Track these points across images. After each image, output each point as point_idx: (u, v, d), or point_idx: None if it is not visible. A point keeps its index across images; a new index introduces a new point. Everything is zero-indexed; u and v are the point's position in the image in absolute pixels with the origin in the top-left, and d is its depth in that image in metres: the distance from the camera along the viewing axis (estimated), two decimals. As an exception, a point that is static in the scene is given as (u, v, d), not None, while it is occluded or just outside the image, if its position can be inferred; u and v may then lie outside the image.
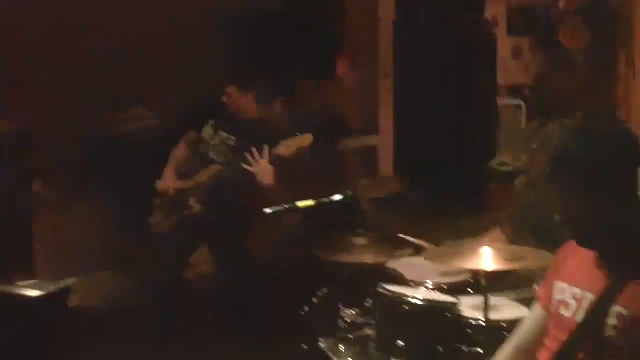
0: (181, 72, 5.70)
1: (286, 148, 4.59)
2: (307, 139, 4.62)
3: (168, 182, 5.04)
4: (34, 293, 4.17)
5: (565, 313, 2.24)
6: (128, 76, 5.80)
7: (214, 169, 4.94)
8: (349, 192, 2.47)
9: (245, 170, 4.65)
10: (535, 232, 4.09)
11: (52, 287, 4.30)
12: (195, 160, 5.07)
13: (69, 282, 4.46)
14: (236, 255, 5.03)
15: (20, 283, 4.23)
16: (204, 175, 4.92)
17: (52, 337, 4.13)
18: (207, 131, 5.06)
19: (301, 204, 2.45)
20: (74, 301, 5.14)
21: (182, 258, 5.00)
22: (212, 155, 5.00)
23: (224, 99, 4.98)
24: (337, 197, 2.47)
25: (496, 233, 4.21)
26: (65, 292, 4.42)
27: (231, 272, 5.00)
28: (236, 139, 4.93)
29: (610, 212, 2.10)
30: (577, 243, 2.20)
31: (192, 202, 4.83)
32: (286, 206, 2.55)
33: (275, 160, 4.61)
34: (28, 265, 5.03)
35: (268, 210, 2.54)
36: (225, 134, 4.98)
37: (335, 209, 4.70)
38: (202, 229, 4.91)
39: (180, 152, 5.18)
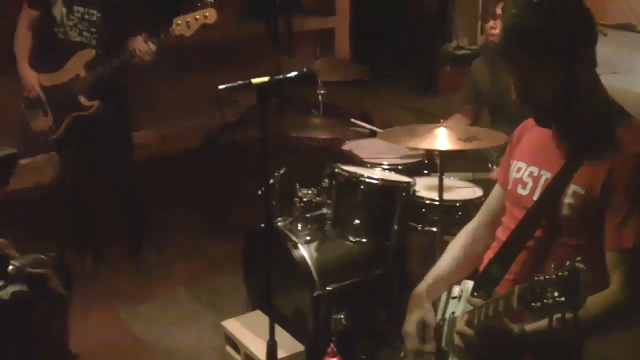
0: None
1: (187, 28, 3.95)
2: (210, 14, 3.95)
3: (30, 79, 4.23)
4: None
5: (522, 192, 2.27)
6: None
7: (87, 55, 4.13)
8: (305, 69, 2.42)
9: (127, 50, 4.04)
10: (492, 112, 4.13)
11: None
12: (53, 46, 4.20)
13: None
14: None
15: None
16: (78, 65, 4.14)
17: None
18: (58, 8, 4.13)
19: (256, 80, 2.38)
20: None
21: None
22: (73, 36, 4.14)
23: None
24: (293, 74, 2.41)
25: (456, 117, 4.24)
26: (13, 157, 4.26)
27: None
28: (97, 11, 4.09)
29: (567, 88, 2.08)
30: (534, 121, 2.21)
31: (83, 100, 4.17)
32: (240, 82, 2.48)
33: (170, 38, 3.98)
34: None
35: (221, 87, 2.47)
36: (82, 8, 4.09)
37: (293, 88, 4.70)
38: (104, 129, 4.29)
39: (22, 38, 4.26)
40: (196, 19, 3.94)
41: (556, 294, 1.71)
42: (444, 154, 3.38)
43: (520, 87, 2.13)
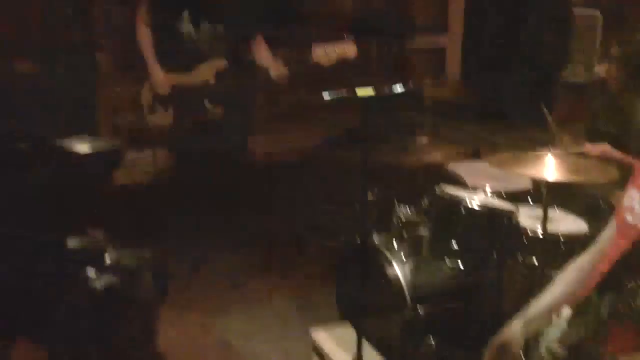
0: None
1: (325, 57, 4.00)
2: (351, 49, 4.02)
3: (162, 78, 4.36)
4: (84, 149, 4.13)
5: (630, 218, 2.17)
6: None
7: (219, 64, 4.31)
8: (411, 85, 2.37)
9: (255, 65, 4.25)
10: (609, 141, 3.97)
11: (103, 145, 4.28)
12: (180, 47, 4.34)
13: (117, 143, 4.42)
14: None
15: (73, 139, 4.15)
16: (207, 72, 4.31)
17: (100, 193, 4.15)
18: (186, 27, 4.29)
19: (361, 91, 2.35)
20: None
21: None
22: (202, 47, 4.32)
23: None
24: (399, 88, 2.37)
25: (567, 139, 4.09)
26: (115, 152, 4.36)
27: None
28: (224, 25, 4.27)
29: None
30: None
31: (207, 104, 4.30)
32: (346, 93, 2.44)
33: (306, 66, 4.07)
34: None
35: (326, 96, 2.44)
36: (209, 24, 4.29)
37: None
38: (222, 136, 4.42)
39: (146, 37, 4.37)
40: (336, 51, 4.00)
41: None
42: (550, 184, 3.26)
43: None
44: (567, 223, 3.59)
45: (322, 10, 6.86)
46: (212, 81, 4.27)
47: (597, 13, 8.10)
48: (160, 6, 4.32)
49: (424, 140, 4.14)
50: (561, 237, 3.40)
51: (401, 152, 4.02)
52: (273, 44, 4.37)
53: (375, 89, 2.41)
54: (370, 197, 3.59)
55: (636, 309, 1.65)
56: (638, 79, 2.04)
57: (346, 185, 4.52)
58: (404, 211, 3.59)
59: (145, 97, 4.44)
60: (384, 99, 2.43)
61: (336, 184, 5.73)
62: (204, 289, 4.47)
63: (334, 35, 4.08)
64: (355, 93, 2.42)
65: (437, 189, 3.45)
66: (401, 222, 3.57)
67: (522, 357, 2.33)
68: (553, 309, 2.39)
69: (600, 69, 6.33)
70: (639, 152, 2.39)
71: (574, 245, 3.20)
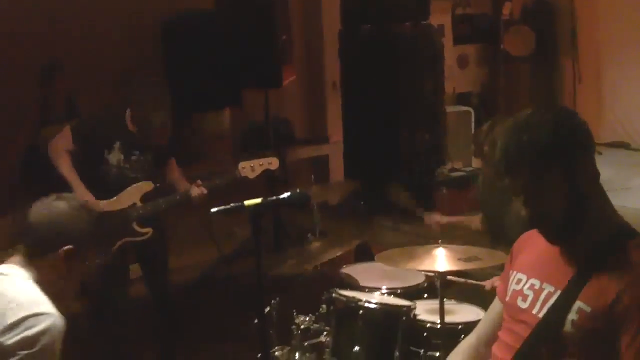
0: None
1: (252, 171, 4.44)
2: (274, 162, 4.48)
3: (92, 199, 4.30)
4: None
5: (522, 304, 2.18)
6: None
7: (145, 187, 4.43)
8: (298, 190, 2.39)
9: (182, 192, 4.46)
10: (492, 231, 4.07)
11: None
12: (103, 175, 4.40)
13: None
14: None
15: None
16: (135, 195, 4.39)
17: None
18: (115, 156, 4.39)
19: (248, 202, 2.36)
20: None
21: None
22: (129, 174, 4.41)
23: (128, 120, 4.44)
24: (286, 195, 2.38)
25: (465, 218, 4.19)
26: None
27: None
28: (152, 153, 4.47)
29: (574, 200, 2.04)
30: (545, 238, 2.14)
31: (136, 226, 4.38)
32: (233, 204, 2.46)
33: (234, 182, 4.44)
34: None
35: (213, 210, 2.44)
36: (139, 153, 4.43)
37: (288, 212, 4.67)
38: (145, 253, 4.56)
39: (67, 163, 4.39)
40: (260, 165, 4.43)
41: None
42: (443, 275, 3.30)
43: (529, 204, 2.08)
44: (464, 312, 3.61)
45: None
46: (138, 203, 4.41)
47: (469, 109, 8.50)
48: (90, 137, 4.42)
49: (315, 245, 4.11)
50: (459, 327, 3.40)
51: (294, 259, 3.96)
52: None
53: (263, 198, 2.41)
54: (267, 308, 3.53)
55: None
56: (502, 178, 2.09)
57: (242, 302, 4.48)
58: (302, 319, 3.53)
59: None
60: (271, 206, 2.43)
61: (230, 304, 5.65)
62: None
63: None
64: (242, 204, 2.42)
65: (333, 293, 3.42)
66: (300, 330, 3.51)
67: None
68: None
69: (476, 162, 6.59)
70: (513, 241, 2.42)
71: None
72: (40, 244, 2.39)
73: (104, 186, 4.40)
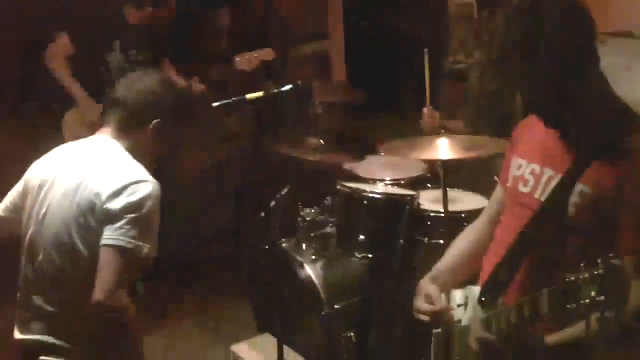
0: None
1: (248, 63, 4.44)
2: (269, 54, 4.52)
3: (92, 105, 4.34)
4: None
5: (523, 189, 2.21)
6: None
7: None
8: (299, 82, 2.37)
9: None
10: (493, 121, 4.07)
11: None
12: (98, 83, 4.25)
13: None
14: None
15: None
16: None
17: None
18: (116, 58, 4.42)
19: (250, 95, 2.36)
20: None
21: None
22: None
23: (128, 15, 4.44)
24: (287, 87, 2.37)
25: (457, 123, 4.18)
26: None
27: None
28: (152, 51, 4.49)
29: (574, 89, 2.02)
30: (544, 124, 2.15)
31: None
32: (234, 98, 2.47)
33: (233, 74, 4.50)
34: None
35: (215, 103, 2.45)
36: (135, 51, 4.44)
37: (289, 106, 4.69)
38: None
39: (64, 69, 4.37)
40: (256, 56, 4.44)
41: (593, 293, 1.65)
42: (446, 163, 3.32)
43: (527, 90, 2.09)
44: (467, 201, 3.66)
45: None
46: None
47: (472, 1, 8.35)
48: (90, 35, 4.37)
49: (316, 141, 4.12)
50: (463, 215, 3.46)
51: (298, 148, 3.94)
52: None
53: (265, 91, 2.42)
54: (273, 202, 3.58)
55: (582, 304, 1.67)
56: (502, 66, 2.08)
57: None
58: (307, 211, 3.58)
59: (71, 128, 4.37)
60: (275, 100, 2.43)
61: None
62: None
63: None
64: (244, 98, 2.43)
65: (337, 185, 3.46)
66: (306, 222, 3.57)
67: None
68: (455, 268, 2.44)
69: (478, 54, 6.53)
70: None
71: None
72: (132, 116, 2.48)
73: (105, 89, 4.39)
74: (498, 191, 2.45)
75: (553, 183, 2.14)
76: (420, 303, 2.37)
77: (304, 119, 4.65)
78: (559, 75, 2.03)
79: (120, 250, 2.28)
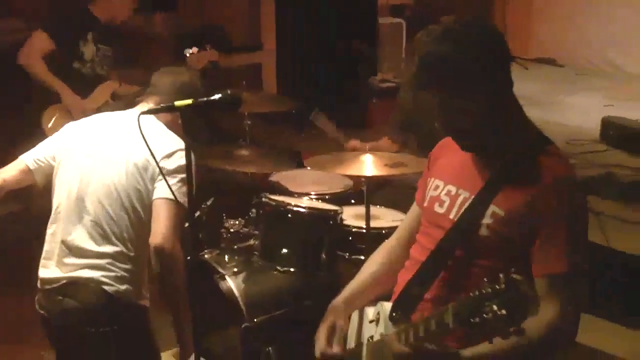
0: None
1: (197, 61, 4.63)
2: (214, 55, 4.78)
3: (80, 104, 4.58)
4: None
5: (439, 209, 2.25)
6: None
7: (113, 85, 4.73)
8: (228, 91, 2.37)
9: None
10: (419, 140, 4.15)
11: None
12: (72, 77, 4.59)
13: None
14: None
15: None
16: (105, 93, 4.68)
17: None
18: (89, 47, 4.63)
19: (178, 103, 2.35)
20: None
21: None
22: (98, 70, 4.68)
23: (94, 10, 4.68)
24: (217, 96, 2.37)
25: (384, 142, 4.24)
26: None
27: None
28: (113, 48, 4.73)
29: (486, 114, 2.07)
30: (460, 148, 2.19)
31: None
32: (163, 105, 2.48)
33: None
34: None
35: (143, 111, 2.45)
36: (104, 46, 4.69)
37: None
38: None
39: (42, 65, 4.54)
40: (205, 56, 4.71)
41: (495, 307, 1.68)
42: (370, 180, 3.37)
43: (442, 117, 2.13)
44: (389, 217, 3.72)
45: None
46: (110, 101, 4.65)
47: (401, 21, 8.50)
48: (65, 30, 4.59)
49: (244, 152, 4.11)
50: (384, 232, 3.50)
51: (224, 165, 3.94)
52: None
53: (193, 99, 2.40)
54: (197, 212, 3.56)
55: (485, 318, 1.71)
56: (424, 77, 2.11)
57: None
58: (232, 222, 3.58)
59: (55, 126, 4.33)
60: (202, 108, 2.42)
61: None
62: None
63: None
64: (173, 105, 2.42)
65: (262, 197, 3.47)
66: (230, 234, 3.57)
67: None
68: (367, 289, 2.46)
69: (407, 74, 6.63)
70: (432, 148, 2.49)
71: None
72: (169, 100, 2.64)
73: (78, 85, 4.56)
74: (414, 210, 2.49)
75: (467, 204, 2.19)
76: (321, 333, 2.37)
77: (232, 129, 4.67)
78: (472, 100, 2.08)
79: (175, 203, 2.66)
